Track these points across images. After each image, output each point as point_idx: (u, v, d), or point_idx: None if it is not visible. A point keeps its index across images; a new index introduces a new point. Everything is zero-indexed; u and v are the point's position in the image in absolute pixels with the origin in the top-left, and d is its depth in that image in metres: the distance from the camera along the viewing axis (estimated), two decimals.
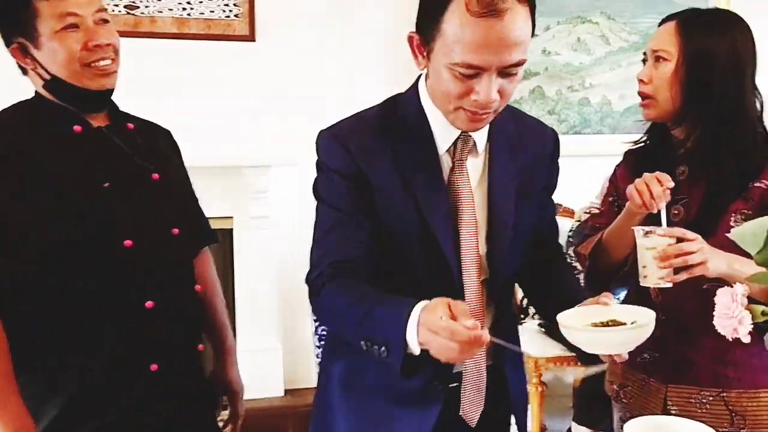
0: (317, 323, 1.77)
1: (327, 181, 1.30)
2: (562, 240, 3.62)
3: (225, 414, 1.70)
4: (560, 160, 1.44)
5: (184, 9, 3.33)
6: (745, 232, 0.85)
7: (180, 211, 1.50)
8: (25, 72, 1.41)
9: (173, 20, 3.32)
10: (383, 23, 3.50)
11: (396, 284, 1.28)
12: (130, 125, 1.49)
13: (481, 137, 1.32)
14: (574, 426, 3.32)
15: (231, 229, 3.45)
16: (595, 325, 1.24)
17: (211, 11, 3.35)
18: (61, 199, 1.31)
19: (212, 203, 3.36)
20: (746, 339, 0.84)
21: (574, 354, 1.31)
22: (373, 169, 1.26)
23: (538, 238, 1.44)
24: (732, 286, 1.45)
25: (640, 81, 1.52)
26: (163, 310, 1.40)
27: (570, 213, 3.67)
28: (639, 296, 1.62)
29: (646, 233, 1.40)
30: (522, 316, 3.35)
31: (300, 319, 3.29)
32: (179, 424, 1.44)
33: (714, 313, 0.89)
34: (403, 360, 1.11)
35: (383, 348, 1.13)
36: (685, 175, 1.51)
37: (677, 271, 1.38)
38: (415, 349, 1.10)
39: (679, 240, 1.37)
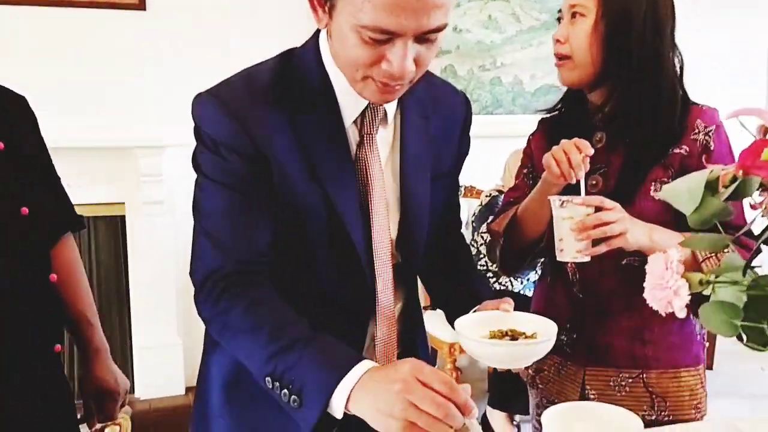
0: None
1: (214, 156, 1.08)
2: (467, 223, 3.56)
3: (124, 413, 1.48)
4: (471, 141, 1.30)
5: None
6: (678, 189, 0.73)
7: (31, 188, 1.27)
8: None
9: None
10: None
11: (296, 273, 1.12)
12: None
13: (391, 105, 1.16)
14: (489, 410, 3.26)
15: (123, 216, 3.18)
16: (494, 334, 1.16)
17: None
18: None
19: (100, 188, 3.10)
20: (682, 313, 0.72)
21: None
22: (271, 143, 1.07)
23: (443, 222, 1.31)
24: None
25: (557, 41, 1.41)
26: (11, 302, 1.17)
27: (477, 194, 3.60)
28: (555, 275, 1.52)
29: (563, 203, 1.29)
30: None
31: None
32: None
33: (644, 284, 0.76)
34: (317, 420, 0.93)
35: (294, 398, 0.94)
36: (602, 143, 1.41)
37: (596, 243, 1.28)
38: (338, 413, 0.92)
39: (598, 210, 1.27)
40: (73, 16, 3.04)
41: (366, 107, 1.12)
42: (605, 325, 1.43)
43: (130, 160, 3.05)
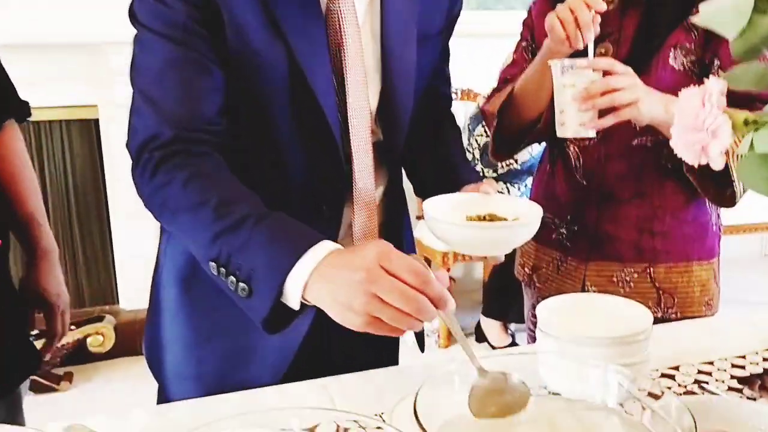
0: None
1: (155, 3, 0.90)
2: (463, 128, 3.38)
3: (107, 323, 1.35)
4: (466, 41, 1.11)
5: None
6: (721, 6, 0.56)
7: None
8: None
9: None
10: None
11: (256, 149, 0.96)
12: None
13: None
14: (483, 319, 3.19)
15: (96, 120, 2.99)
16: (471, 219, 1.00)
17: None
18: None
19: (70, 89, 2.89)
20: (719, 162, 0.56)
21: None
22: None
23: (431, 91, 1.14)
24: (668, 139, 1.21)
25: None
26: None
27: (474, 97, 3.41)
28: (556, 161, 1.36)
29: (565, 67, 1.12)
30: None
31: None
32: None
33: (672, 129, 0.60)
34: (270, 311, 0.79)
35: (243, 286, 0.80)
36: (614, 4, 1.22)
37: (602, 114, 1.11)
38: (294, 302, 0.78)
39: (606, 75, 1.10)
40: None
41: None
42: (611, 215, 1.28)
43: (102, 57, 2.83)
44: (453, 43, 1.16)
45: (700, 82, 0.62)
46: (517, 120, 1.31)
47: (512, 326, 3.18)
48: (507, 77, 1.38)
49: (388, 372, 1.00)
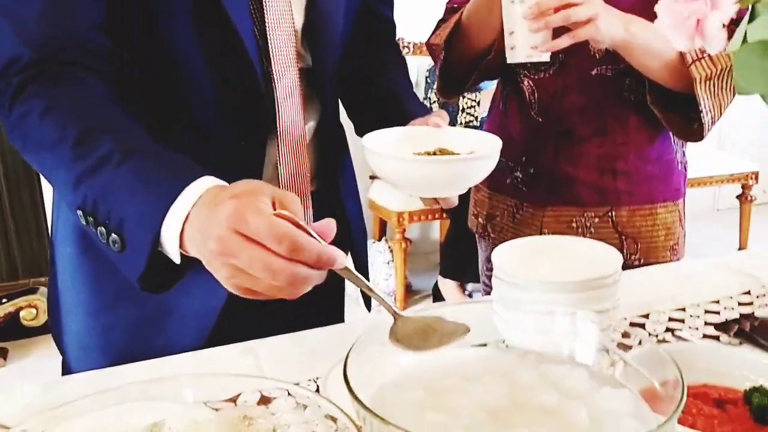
0: None
1: None
2: (419, 82, 3.25)
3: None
4: None
5: None
6: None
7: None
8: None
9: None
10: None
11: (153, 79, 0.81)
12: None
13: None
14: (441, 280, 3.10)
15: None
16: (419, 155, 0.88)
17: None
18: None
19: None
20: (718, 43, 0.45)
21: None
22: None
23: (368, 11, 1.01)
24: (631, 67, 1.10)
25: None
26: None
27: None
28: (509, 97, 1.24)
29: None
30: None
31: None
32: None
33: (658, 4, 0.48)
34: (145, 267, 0.66)
35: (114, 239, 0.66)
36: None
37: (556, 35, 0.99)
38: (173, 254, 0.65)
39: None
40: None
41: None
42: (569, 155, 1.17)
43: None
44: None
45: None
46: (466, 52, 1.19)
47: (470, 286, 3.10)
48: (454, 6, 1.24)
49: (324, 333, 0.88)
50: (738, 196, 3.36)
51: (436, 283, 3.14)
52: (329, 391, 0.74)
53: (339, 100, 1.05)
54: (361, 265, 1.07)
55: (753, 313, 0.89)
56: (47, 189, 2.87)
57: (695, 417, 0.60)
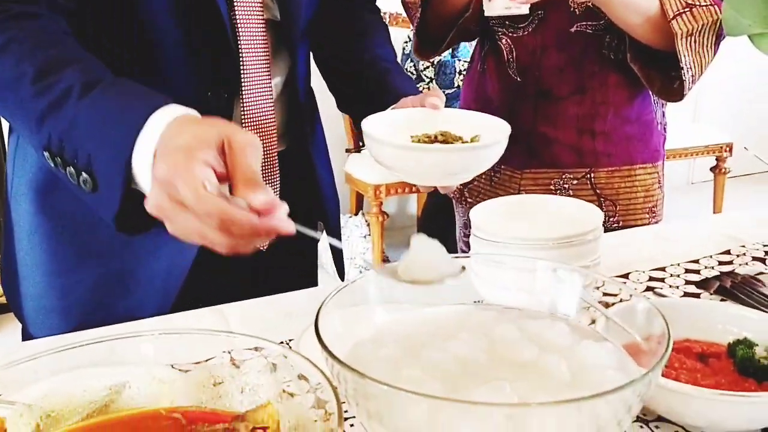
0: None
1: None
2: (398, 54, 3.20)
3: None
4: None
5: None
6: None
7: None
8: None
9: None
10: None
11: (113, 23, 0.77)
12: None
13: None
14: None
15: None
16: (418, 140, 0.84)
17: None
18: None
19: None
20: None
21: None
22: None
23: None
24: (611, 24, 1.07)
25: None
26: None
27: (405, 22, 3.21)
28: (486, 56, 1.21)
29: None
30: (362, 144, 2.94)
31: None
32: None
33: None
34: (120, 204, 0.62)
35: (85, 176, 0.63)
36: None
37: None
38: (147, 187, 0.61)
39: None
40: None
41: None
42: (548, 114, 1.15)
43: None
44: None
45: None
46: (443, 8, 1.15)
47: None
48: None
49: (296, 296, 0.85)
50: (712, 168, 3.37)
51: None
52: (303, 351, 0.72)
53: (311, 61, 1.01)
54: (334, 234, 1.05)
55: (734, 270, 0.88)
56: None
57: (678, 371, 0.59)
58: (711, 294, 0.81)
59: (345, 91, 1.03)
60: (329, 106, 1.08)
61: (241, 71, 0.83)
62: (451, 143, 0.84)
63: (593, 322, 0.59)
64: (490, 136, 0.84)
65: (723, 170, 3.34)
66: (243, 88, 0.83)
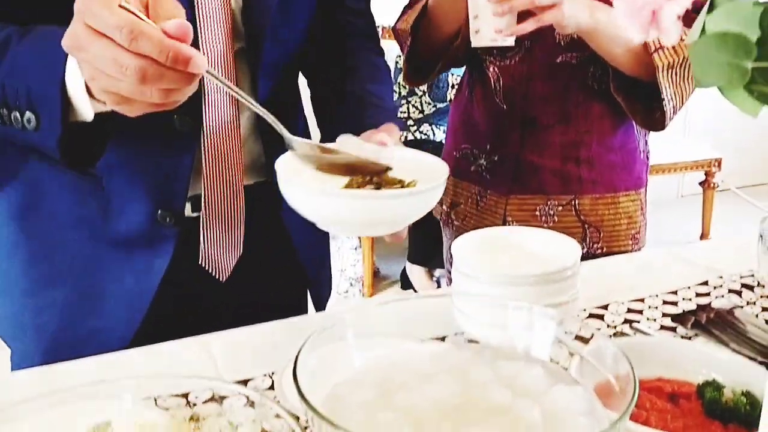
0: None
1: None
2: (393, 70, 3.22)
3: None
4: None
5: None
6: None
7: None
8: None
9: None
10: None
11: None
12: None
13: None
14: (409, 265, 3.10)
15: None
16: (354, 182, 0.75)
17: None
18: None
19: None
20: (673, 34, 0.44)
21: None
22: None
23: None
24: (596, 55, 1.09)
25: None
26: None
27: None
28: (474, 84, 1.23)
29: None
30: None
31: None
32: None
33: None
34: (62, 127, 0.65)
35: (29, 115, 0.66)
36: None
37: (521, 19, 0.98)
38: (85, 108, 0.64)
39: None
40: None
41: None
42: (533, 142, 1.17)
43: None
44: None
45: None
46: (432, 38, 1.17)
47: (437, 272, 3.11)
48: None
49: (281, 325, 0.86)
50: (701, 183, 3.40)
51: (404, 269, 3.13)
52: (285, 386, 0.73)
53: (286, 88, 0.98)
54: (323, 246, 1.06)
55: (710, 303, 0.89)
56: None
57: (649, 412, 0.60)
58: (687, 328, 0.83)
59: (323, 117, 1.01)
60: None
61: (203, 95, 0.82)
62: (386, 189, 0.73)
63: (569, 358, 0.60)
64: (426, 181, 0.73)
65: (712, 185, 3.37)
66: (206, 113, 0.82)
